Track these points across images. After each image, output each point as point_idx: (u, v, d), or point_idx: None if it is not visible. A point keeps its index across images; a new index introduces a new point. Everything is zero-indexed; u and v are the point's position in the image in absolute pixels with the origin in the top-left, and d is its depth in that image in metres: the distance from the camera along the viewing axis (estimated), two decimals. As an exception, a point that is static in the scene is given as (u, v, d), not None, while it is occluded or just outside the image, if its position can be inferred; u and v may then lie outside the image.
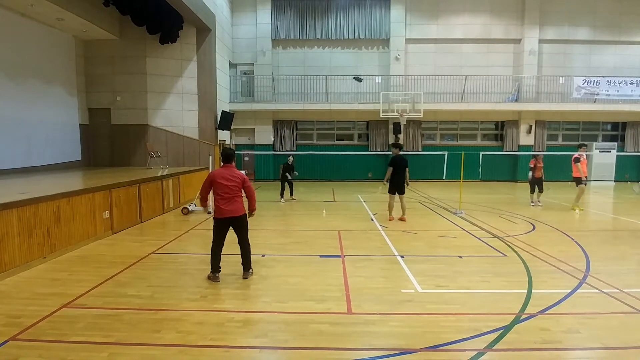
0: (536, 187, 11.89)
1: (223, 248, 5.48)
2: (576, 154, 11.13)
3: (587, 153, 11.60)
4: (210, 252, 5.46)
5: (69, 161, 13.55)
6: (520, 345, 3.69)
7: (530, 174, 11.90)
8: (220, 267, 5.47)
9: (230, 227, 5.46)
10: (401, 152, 9.70)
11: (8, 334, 3.82)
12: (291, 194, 13.09)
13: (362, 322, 4.17)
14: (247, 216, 5.56)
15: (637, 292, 5.00)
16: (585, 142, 12.68)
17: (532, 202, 12.05)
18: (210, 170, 11.46)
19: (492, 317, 4.26)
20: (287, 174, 12.81)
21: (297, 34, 19.44)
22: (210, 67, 15.41)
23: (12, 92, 11.25)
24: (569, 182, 11.68)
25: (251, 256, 5.64)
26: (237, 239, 5.53)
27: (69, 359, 3.41)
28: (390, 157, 9.77)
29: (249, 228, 5.66)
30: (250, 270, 5.59)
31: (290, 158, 13.15)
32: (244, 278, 5.48)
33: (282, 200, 12.75)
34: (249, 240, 5.61)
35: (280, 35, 19.45)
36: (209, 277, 5.45)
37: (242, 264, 5.56)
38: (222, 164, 5.56)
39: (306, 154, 17.88)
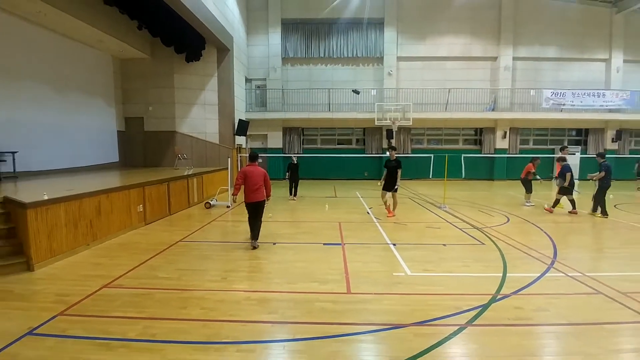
0: (529, 187, 11.17)
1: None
2: (561, 154, 10.63)
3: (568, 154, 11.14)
4: (249, 226, 6.41)
5: (108, 162, 13.62)
6: (496, 321, 3.68)
7: (535, 176, 11.01)
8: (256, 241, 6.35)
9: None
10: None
11: (57, 310, 3.87)
12: (295, 194, 12.38)
13: (360, 301, 4.17)
14: (265, 202, 6.46)
15: (598, 275, 4.98)
16: (567, 145, 12.05)
17: (527, 201, 11.08)
18: (229, 170, 11.55)
19: (472, 297, 4.25)
20: (293, 172, 12.33)
21: (303, 53, 19.42)
22: (228, 82, 15.42)
23: (61, 103, 11.31)
24: (541, 181, 11.51)
25: (264, 243, 6.01)
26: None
27: (109, 331, 3.45)
28: (399, 160, 9.08)
29: (263, 217, 6.55)
30: (257, 241, 6.45)
31: (294, 158, 12.61)
32: (253, 246, 6.32)
33: (291, 197, 12.27)
34: (261, 222, 6.54)
35: (289, 54, 19.44)
36: (251, 244, 6.30)
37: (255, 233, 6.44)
38: (248, 162, 6.48)
39: (311, 156, 17.87)
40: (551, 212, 9.82)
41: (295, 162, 12.49)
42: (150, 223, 8.39)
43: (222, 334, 3.43)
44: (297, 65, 19.77)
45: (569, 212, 9.82)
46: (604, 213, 9.19)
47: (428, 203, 11.63)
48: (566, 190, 9.64)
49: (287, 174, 12.50)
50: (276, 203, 11.41)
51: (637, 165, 13.08)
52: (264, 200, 6.41)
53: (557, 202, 9.91)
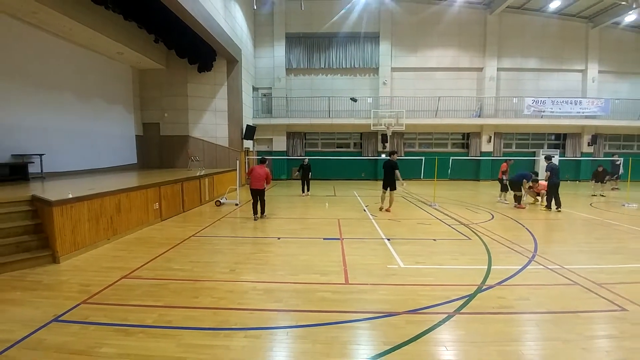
0: (507, 187, 11.13)
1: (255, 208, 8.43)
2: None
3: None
4: (252, 208, 8.47)
5: (127, 164, 13.63)
6: (481, 309, 3.68)
7: (503, 176, 11.17)
8: (257, 215, 8.39)
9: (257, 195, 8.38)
10: (388, 157, 9.52)
11: (80, 299, 3.88)
12: (307, 190, 12.96)
13: (357, 291, 4.17)
14: (265, 189, 8.40)
15: (575, 268, 4.97)
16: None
17: (504, 200, 11.17)
18: (238, 171, 11.55)
19: (459, 288, 4.24)
20: (307, 173, 12.90)
21: (305, 64, 19.42)
22: (237, 90, 15.42)
23: (84, 110, 11.33)
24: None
25: (269, 238, 5.84)
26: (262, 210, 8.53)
27: (128, 318, 3.45)
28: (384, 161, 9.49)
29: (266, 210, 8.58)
30: (265, 214, 8.55)
31: (306, 160, 13.07)
32: (261, 218, 8.42)
33: (304, 194, 12.65)
34: (265, 208, 8.58)
35: (292, 65, 19.44)
36: (254, 217, 8.35)
37: (261, 211, 8.49)
38: (258, 163, 8.59)
39: (313, 158, 17.81)
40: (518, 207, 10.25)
41: (307, 163, 13.03)
42: (165, 219, 8.40)
43: (231, 321, 3.44)
44: (299, 75, 19.76)
45: (514, 205, 10.45)
46: (549, 207, 9.91)
47: (419, 201, 11.62)
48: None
49: (300, 172, 13.06)
50: (280, 201, 11.42)
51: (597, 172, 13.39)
52: (263, 190, 8.31)
53: (516, 198, 10.49)
